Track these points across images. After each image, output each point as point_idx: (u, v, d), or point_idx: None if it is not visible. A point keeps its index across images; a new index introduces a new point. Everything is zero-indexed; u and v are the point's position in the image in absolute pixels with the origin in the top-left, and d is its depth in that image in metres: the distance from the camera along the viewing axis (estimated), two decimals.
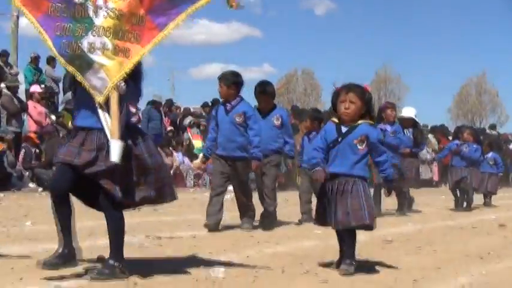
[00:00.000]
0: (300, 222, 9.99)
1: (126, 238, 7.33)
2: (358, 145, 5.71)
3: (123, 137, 4.85)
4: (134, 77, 4.99)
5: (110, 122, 4.83)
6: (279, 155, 9.86)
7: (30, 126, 16.84)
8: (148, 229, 8.29)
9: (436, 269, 6.01)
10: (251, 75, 67.27)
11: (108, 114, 4.85)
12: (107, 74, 4.84)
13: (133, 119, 20.53)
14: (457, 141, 14.52)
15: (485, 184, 15.77)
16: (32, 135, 16.24)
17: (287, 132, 9.90)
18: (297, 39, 75.24)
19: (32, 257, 5.72)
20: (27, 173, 15.50)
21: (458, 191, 14.31)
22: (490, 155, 16.30)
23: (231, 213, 9.33)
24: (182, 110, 23.29)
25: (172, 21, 5.05)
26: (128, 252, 6.33)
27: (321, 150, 5.79)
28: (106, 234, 7.68)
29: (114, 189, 4.90)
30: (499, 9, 67.39)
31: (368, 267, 5.93)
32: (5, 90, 16.48)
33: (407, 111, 13.30)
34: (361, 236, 7.65)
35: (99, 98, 4.85)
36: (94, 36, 4.86)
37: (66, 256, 5.22)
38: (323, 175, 5.69)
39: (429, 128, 27.01)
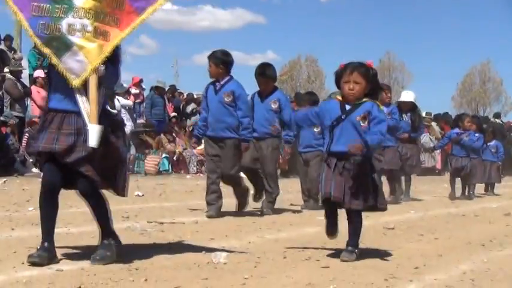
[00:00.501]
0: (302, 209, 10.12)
1: (129, 223, 7.42)
2: (361, 122, 5.61)
3: (101, 121, 4.78)
4: (112, 60, 4.91)
5: (88, 107, 4.75)
6: (275, 138, 9.61)
7: (33, 111, 16.83)
8: (151, 215, 8.31)
9: (438, 256, 6.01)
10: (255, 62, 67.23)
11: (86, 98, 4.76)
12: (87, 56, 4.74)
13: (132, 100, 20.56)
14: (457, 130, 14.21)
15: (488, 173, 15.63)
16: (37, 120, 16.22)
17: (284, 118, 9.55)
18: (300, 26, 75.24)
19: (34, 242, 5.73)
20: (30, 158, 15.50)
21: (457, 180, 14.11)
22: (492, 143, 16.23)
23: (233, 199, 9.32)
24: (186, 96, 23.27)
25: (151, 5, 4.96)
26: (130, 238, 6.39)
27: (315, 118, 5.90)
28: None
29: (95, 175, 4.84)
30: None
31: (369, 253, 5.94)
32: (8, 75, 16.48)
33: (407, 96, 13.17)
34: (363, 222, 7.69)
35: (76, 81, 4.74)
36: (74, 18, 4.75)
37: (52, 250, 5.03)
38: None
39: (432, 116, 26.96)
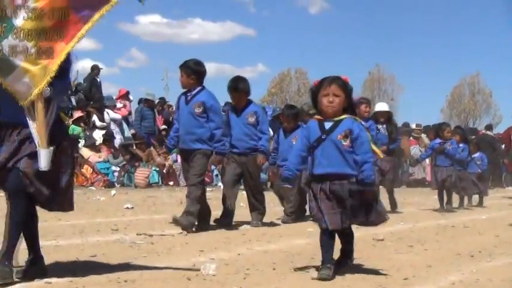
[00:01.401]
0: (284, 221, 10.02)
1: (118, 236, 7.41)
2: (342, 141, 5.38)
3: (51, 137, 4.62)
4: (61, 75, 4.70)
5: (36, 130, 4.59)
6: (257, 153, 9.32)
7: None
8: (140, 227, 8.30)
9: (427, 267, 6.01)
10: (246, 75, 67.17)
11: (35, 119, 4.60)
12: (32, 79, 4.57)
13: (125, 114, 20.59)
14: (438, 140, 13.85)
15: (476, 185, 15.40)
16: None
17: (263, 127, 9.37)
18: (290, 38, 75.10)
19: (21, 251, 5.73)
20: None
21: (444, 192, 13.78)
22: (477, 154, 16.09)
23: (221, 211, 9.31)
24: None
25: (97, 12, 4.77)
26: (120, 250, 6.39)
27: (300, 155, 5.51)
28: (97, 232, 7.78)
29: (31, 176, 4.57)
30: (492, 9, 67.51)
31: (359, 264, 5.95)
32: None
33: (382, 106, 13.07)
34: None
35: (22, 102, 4.58)
36: (15, 39, 4.58)
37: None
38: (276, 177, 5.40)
39: (422, 127, 27.01)
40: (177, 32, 73.97)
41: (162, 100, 23.37)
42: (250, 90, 9.44)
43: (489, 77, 76.78)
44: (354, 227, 5.72)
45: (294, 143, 9.53)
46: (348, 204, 5.34)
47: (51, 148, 4.61)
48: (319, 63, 69.70)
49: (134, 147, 19.08)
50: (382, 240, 7.95)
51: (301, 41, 71.86)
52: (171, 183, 18.91)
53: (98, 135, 18.76)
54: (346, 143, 5.38)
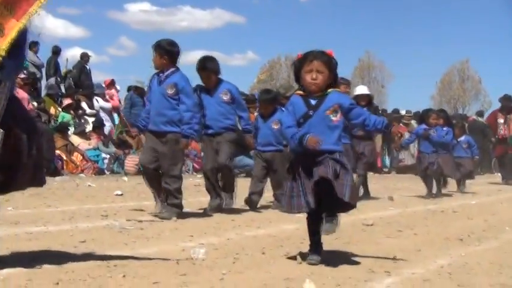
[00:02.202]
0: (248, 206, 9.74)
1: (108, 222, 7.41)
2: (331, 116, 5.16)
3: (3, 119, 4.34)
4: (12, 54, 4.42)
5: None
6: (233, 132, 9.21)
7: None
8: (130, 213, 8.30)
9: (416, 251, 6.04)
10: (236, 63, 67.37)
11: None
12: None
13: (116, 105, 20.58)
14: (423, 126, 13.72)
15: (460, 169, 15.12)
16: None
17: (239, 107, 9.30)
18: (280, 25, 75.25)
19: (12, 240, 5.73)
20: None
21: (428, 178, 13.56)
22: (463, 138, 15.95)
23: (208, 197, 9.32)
24: None
25: None
26: (109, 235, 6.39)
27: (294, 126, 5.18)
28: (87, 218, 7.78)
29: None
30: None
31: (348, 249, 5.98)
32: None
33: (362, 89, 12.76)
34: (342, 219, 7.71)
35: None
36: None
37: None
38: (316, 138, 5.01)
39: (412, 114, 27.05)
40: (166, 20, 73.92)
41: None
42: (219, 69, 9.22)
43: (479, 63, 77.20)
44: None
45: (274, 127, 9.59)
46: (340, 180, 5.02)
47: (1, 131, 4.34)
48: (309, 49, 69.59)
49: (124, 134, 19.03)
50: (372, 225, 7.98)
51: (291, 28, 72.01)
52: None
53: (88, 123, 18.74)
54: (335, 118, 5.18)
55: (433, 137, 13.32)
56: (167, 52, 8.27)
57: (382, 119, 5.42)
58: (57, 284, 4.13)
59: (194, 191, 11.72)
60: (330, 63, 5.21)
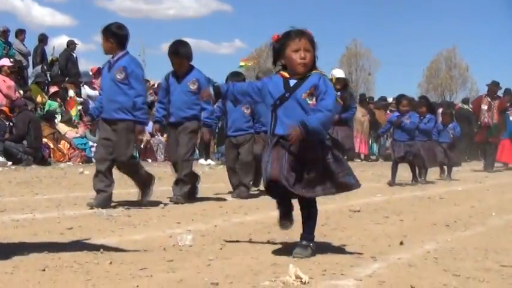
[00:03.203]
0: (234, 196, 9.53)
1: (95, 209, 7.38)
2: (307, 99, 4.81)
3: None
4: None
5: None
6: (195, 121, 8.77)
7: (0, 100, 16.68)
8: (117, 200, 8.27)
9: (403, 237, 6.04)
10: (223, 51, 67.22)
11: None
12: None
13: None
14: (397, 113, 13.34)
15: (445, 156, 15.04)
16: (5, 108, 16.08)
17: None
18: (267, 14, 75.13)
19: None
20: None
21: (404, 166, 13.36)
22: (451, 125, 15.63)
23: (201, 185, 9.32)
24: (155, 84, 23.14)
25: None
26: (96, 223, 6.40)
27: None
28: (74, 205, 7.77)
29: None
30: None
31: (335, 235, 6.00)
32: None
33: (338, 72, 12.47)
34: (329, 205, 7.76)
35: None
36: None
37: None
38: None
39: None
40: (153, 8, 73.84)
41: None
42: (191, 55, 8.83)
43: (466, 51, 77.32)
44: (330, 198, 5.73)
45: (245, 111, 9.46)
46: (306, 170, 4.76)
47: None
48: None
49: None
50: (359, 211, 8.00)
51: (277, 16, 71.78)
52: (149, 159, 18.89)
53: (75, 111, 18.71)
54: (312, 101, 4.81)
55: (406, 124, 12.87)
56: (113, 35, 7.89)
57: (312, 124, 4.70)
58: (44, 270, 4.12)
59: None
60: (314, 42, 4.94)
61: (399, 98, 13.78)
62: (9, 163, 14.73)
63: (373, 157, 25.56)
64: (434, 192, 11.35)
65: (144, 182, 8.27)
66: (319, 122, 4.74)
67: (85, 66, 35.78)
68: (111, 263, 4.44)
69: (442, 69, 58.18)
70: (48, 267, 4.22)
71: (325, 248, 5.25)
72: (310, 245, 4.96)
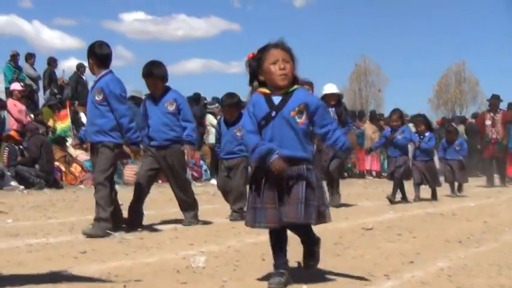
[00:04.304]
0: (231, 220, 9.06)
1: (108, 231, 7.40)
2: (296, 117, 4.53)
3: None
4: None
5: None
6: (179, 144, 8.30)
7: (11, 125, 16.73)
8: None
9: (416, 254, 6.05)
10: (233, 71, 67.30)
11: None
12: None
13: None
14: (389, 129, 13.07)
15: (453, 173, 14.83)
16: (13, 133, 16.13)
17: (185, 117, 8.29)
18: (275, 32, 75.12)
19: (13, 253, 5.75)
20: (9, 171, 15.38)
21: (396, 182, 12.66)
22: (457, 141, 15.33)
23: (213, 205, 9.33)
24: None
25: None
26: (109, 246, 6.41)
27: (255, 132, 4.57)
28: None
29: None
30: None
31: (347, 253, 5.99)
32: None
33: (331, 88, 11.86)
34: (341, 224, 7.75)
35: None
36: None
37: None
38: (283, 165, 4.43)
39: (409, 117, 27.07)
40: (162, 29, 73.96)
41: None
42: (167, 76, 8.40)
43: (476, 65, 77.29)
44: (342, 217, 5.74)
45: (238, 134, 9.01)
46: (301, 193, 4.46)
47: None
48: (305, 55, 69.58)
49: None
50: (371, 229, 7.99)
51: (286, 34, 71.12)
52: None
53: None
54: (301, 120, 4.55)
55: (398, 139, 12.62)
56: (93, 54, 7.54)
57: (345, 140, 4.72)
58: None
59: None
60: (291, 52, 4.64)
61: (391, 113, 13.60)
62: (22, 187, 14.76)
63: (385, 174, 25.47)
64: (447, 209, 11.32)
65: (104, 217, 7.36)
66: (345, 136, 4.75)
67: None
68: (125, 286, 4.46)
69: (451, 84, 58.06)
70: None
71: (338, 267, 5.25)
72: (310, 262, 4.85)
